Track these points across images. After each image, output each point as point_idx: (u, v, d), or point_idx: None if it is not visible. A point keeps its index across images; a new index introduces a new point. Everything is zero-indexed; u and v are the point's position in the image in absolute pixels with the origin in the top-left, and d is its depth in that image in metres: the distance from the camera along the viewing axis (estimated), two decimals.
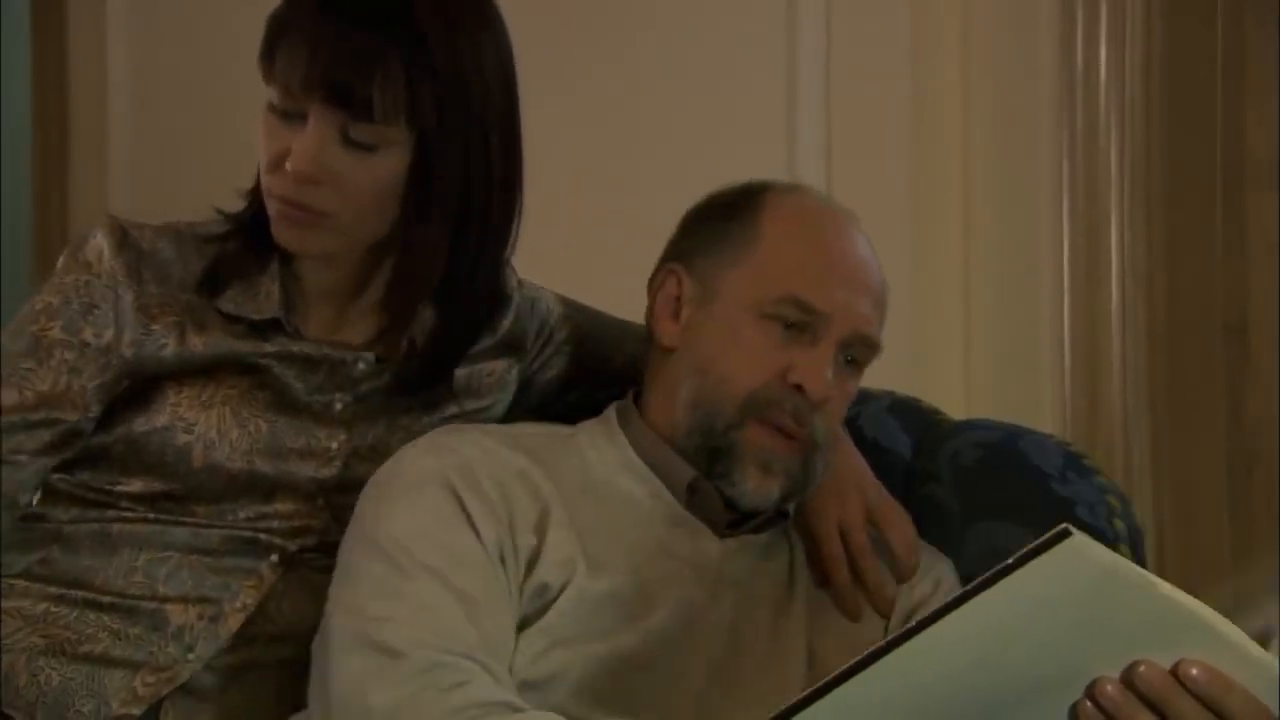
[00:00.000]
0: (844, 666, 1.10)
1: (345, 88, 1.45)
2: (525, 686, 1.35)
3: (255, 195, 1.55)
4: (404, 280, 1.55)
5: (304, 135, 1.46)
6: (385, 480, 1.44)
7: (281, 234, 1.51)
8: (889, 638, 1.10)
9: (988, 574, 1.08)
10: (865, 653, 1.10)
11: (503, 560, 1.37)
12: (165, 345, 1.51)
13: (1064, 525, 1.07)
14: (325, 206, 1.48)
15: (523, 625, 1.38)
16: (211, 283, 1.54)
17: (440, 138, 1.49)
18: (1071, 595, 1.09)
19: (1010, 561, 1.07)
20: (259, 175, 1.53)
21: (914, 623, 1.09)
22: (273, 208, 1.50)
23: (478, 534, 1.37)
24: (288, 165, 1.46)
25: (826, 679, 1.09)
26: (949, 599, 1.09)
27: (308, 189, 1.47)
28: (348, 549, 1.42)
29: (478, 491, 1.39)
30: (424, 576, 1.34)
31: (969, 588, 1.08)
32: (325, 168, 1.46)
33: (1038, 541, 1.07)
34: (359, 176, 1.48)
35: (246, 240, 1.56)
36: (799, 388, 1.42)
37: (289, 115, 1.47)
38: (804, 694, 1.10)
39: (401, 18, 1.47)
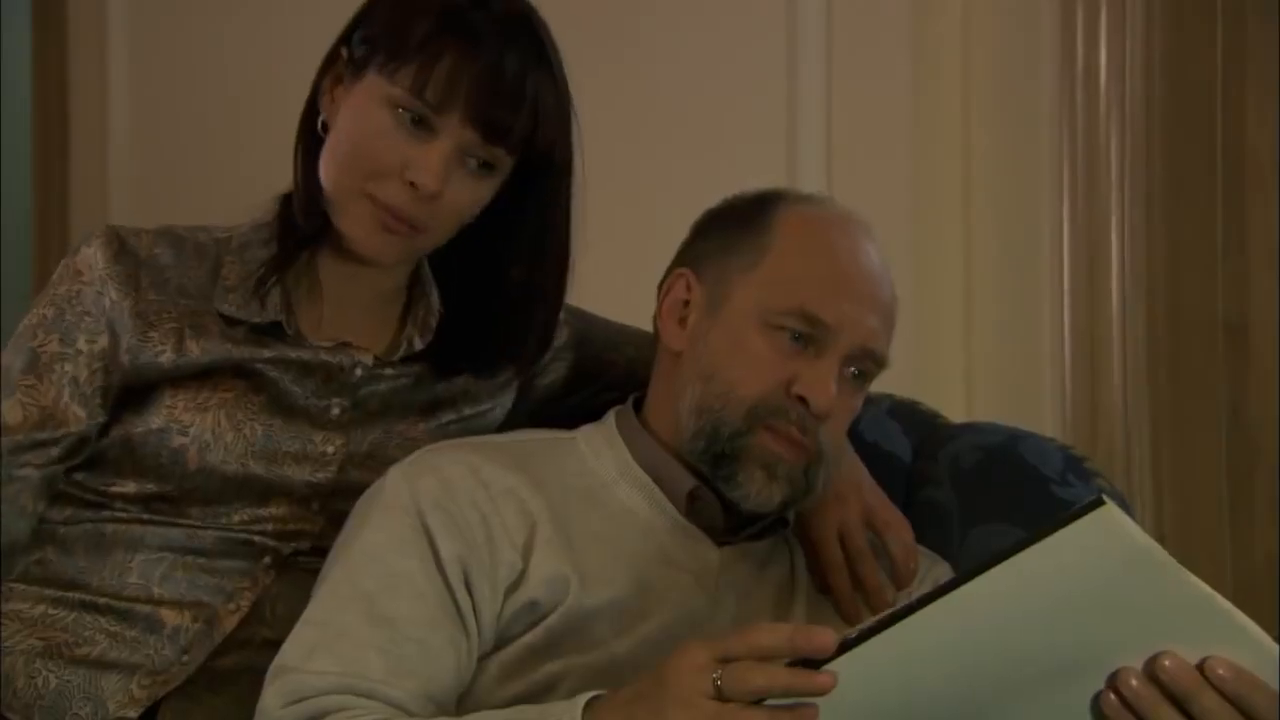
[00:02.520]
0: (866, 624, 1.10)
1: (495, 111, 1.46)
2: (514, 701, 1.36)
3: (286, 201, 1.56)
4: (525, 303, 1.58)
5: (436, 151, 1.46)
6: (366, 499, 1.45)
7: (369, 240, 1.50)
8: (918, 596, 1.10)
9: (1019, 539, 1.07)
10: (891, 610, 1.10)
11: (467, 578, 1.38)
12: (163, 352, 1.51)
13: (1099, 495, 1.07)
14: (428, 222, 1.49)
15: (507, 640, 1.39)
16: (212, 286, 1.53)
17: (555, 165, 1.52)
18: (1098, 570, 1.09)
19: (1043, 527, 1.07)
20: (310, 178, 1.51)
21: (941, 584, 1.09)
22: (365, 212, 1.49)
23: (436, 554, 1.38)
24: (412, 178, 1.46)
25: (847, 636, 1.09)
26: (979, 562, 1.08)
27: (423, 204, 1.48)
28: (328, 559, 1.44)
29: (449, 511, 1.39)
30: (355, 604, 1.36)
31: (998, 552, 1.08)
32: (447, 186, 1.47)
33: (1073, 509, 1.07)
34: (464, 196, 1.50)
35: (256, 242, 1.56)
36: (802, 400, 1.42)
37: (416, 122, 1.46)
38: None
39: (534, 45, 1.49)
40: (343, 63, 1.52)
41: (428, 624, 1.35)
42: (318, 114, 1.54)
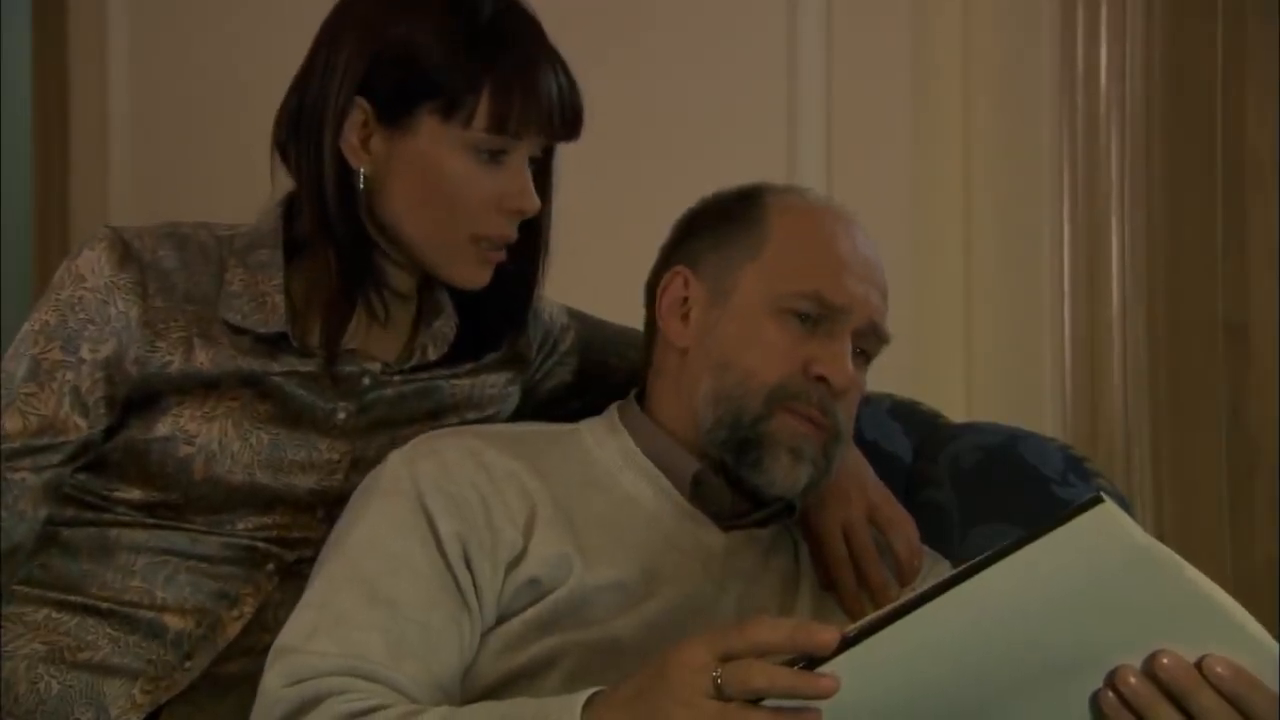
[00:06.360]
0: (867, 621, 1.10)
1: (566, 113, 1.49)
2: (514, 676, 1.36)
3: (288, 207, 1.55)
4: (521, 287, 1.59)
5: (521, 172, 1.49)
6: (365, 486, 1.45)
7: (477, 275, 1.52)
8: (918, 593, 1.09)
9: (1018, 537, 1.08)
10: (892, 606, 1.10)
11: (467, 555, 1.38)
12: (170, 363, 1.50)
13: (1097, 493, 1.07)
14: (515, 234, 1.52)
15: (508, 616, 1.39)
16: (217, 290, 1.52)
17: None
18: (1096, 568, 1.09)
19: (1042, 525, 1.07)
20: (324, 192, 1.50)
21: (939, 581, 1.09)
22: (473, 254, 1.51)
23: (436, 534, 1.38)
24: (516, 206, 1.49)
25: (848, 633, 1.09)
26: (977, 559, 1.08)
27: (517, 222, 1.51)
28: (326, 544, 1.45)
29: (449, 493, 1.40)
30: (355, 586, 1.36)
31: (997, 549, 1.08)
32: None
33: (1071, 507, 1.07)
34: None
35: (259, 245, 1.55)
36: (821, 379, 1.44)
37: (492, 154, 1.48)
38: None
39: (538, 27, 1.51)
40: (366, 115, 1.49)
41: (428, 604, 1.36)
42: (341, 166, 1.50)
